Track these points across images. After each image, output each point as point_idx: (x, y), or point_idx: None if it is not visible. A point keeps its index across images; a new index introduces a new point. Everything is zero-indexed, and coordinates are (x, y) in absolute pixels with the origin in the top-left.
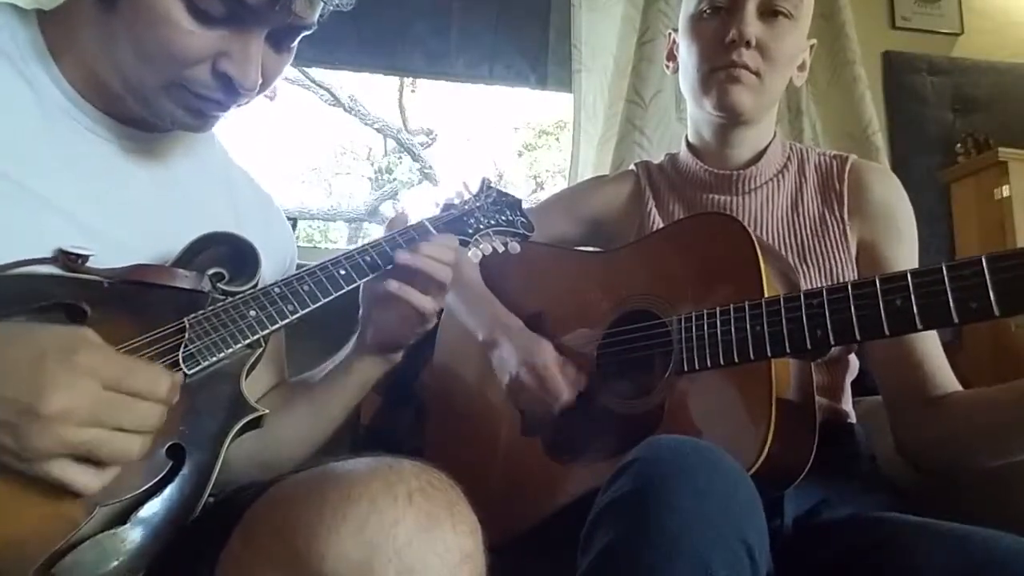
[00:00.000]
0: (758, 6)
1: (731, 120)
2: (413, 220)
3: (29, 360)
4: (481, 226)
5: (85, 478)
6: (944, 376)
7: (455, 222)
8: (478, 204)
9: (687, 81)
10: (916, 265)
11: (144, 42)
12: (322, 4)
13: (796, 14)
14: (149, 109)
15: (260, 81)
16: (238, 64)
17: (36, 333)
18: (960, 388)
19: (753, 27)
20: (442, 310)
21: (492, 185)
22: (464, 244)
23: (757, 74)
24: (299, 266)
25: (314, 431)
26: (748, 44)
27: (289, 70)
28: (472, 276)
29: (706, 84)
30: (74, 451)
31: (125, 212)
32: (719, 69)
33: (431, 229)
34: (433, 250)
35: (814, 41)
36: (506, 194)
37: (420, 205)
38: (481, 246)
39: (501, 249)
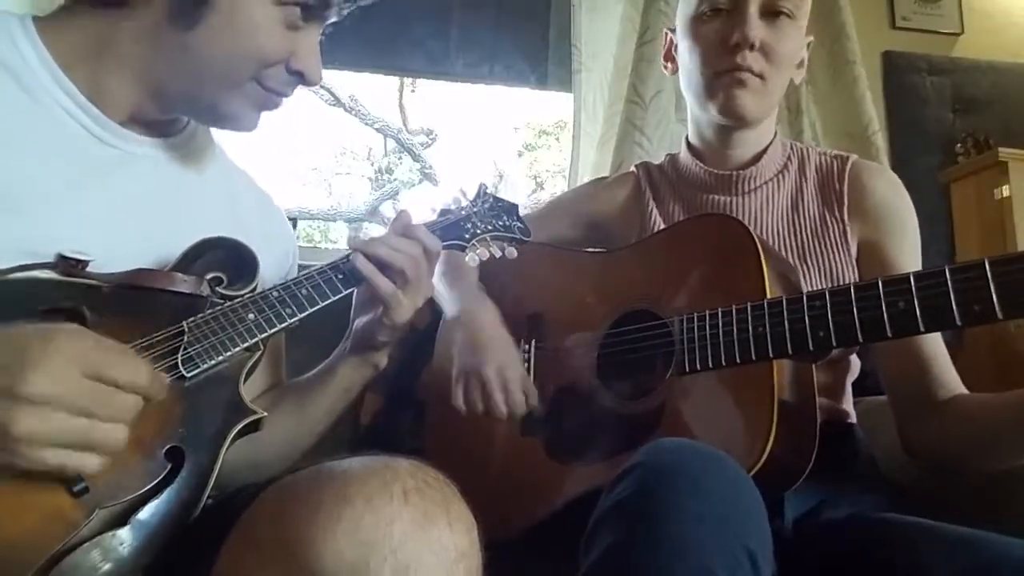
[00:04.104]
0: (760, 7)
1: (735, 123)
2: (413, 222)
3: (11, 346)
4: (478, 231)
5: (82, 459)
6: (950, 378)
7: (452, 228)
8: (475, 210)
9: (690, 84)
10: (919, 265)
11: (233, 51)
12: None
13: (797, 13)
14: (213, 112)
15: None
16: (306, 61)
17: (19, 326)
18: (965, 390)
19: (756, 29)
20: (441, 312)
21: (489, 191)
22: (461, 249)
23: (761, 76)
24: (300, 266)
25: (297, 434)
26: (752, 47)
27: None
28: (469, 280)
29: (710, 88)
30: (59, 438)
31: (124, 217)
32: (723, 73)
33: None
34: (393, 240)
35: (811, 38)
36: (502, 200)
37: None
38: (478, 251)
39: (499, 254)
